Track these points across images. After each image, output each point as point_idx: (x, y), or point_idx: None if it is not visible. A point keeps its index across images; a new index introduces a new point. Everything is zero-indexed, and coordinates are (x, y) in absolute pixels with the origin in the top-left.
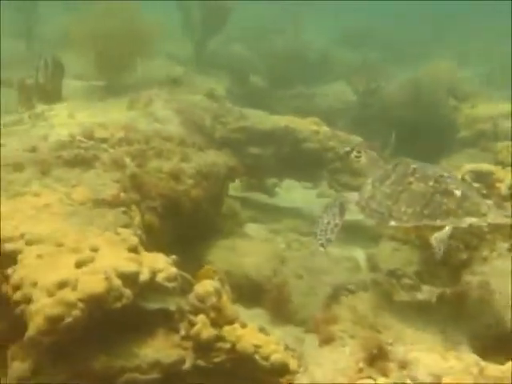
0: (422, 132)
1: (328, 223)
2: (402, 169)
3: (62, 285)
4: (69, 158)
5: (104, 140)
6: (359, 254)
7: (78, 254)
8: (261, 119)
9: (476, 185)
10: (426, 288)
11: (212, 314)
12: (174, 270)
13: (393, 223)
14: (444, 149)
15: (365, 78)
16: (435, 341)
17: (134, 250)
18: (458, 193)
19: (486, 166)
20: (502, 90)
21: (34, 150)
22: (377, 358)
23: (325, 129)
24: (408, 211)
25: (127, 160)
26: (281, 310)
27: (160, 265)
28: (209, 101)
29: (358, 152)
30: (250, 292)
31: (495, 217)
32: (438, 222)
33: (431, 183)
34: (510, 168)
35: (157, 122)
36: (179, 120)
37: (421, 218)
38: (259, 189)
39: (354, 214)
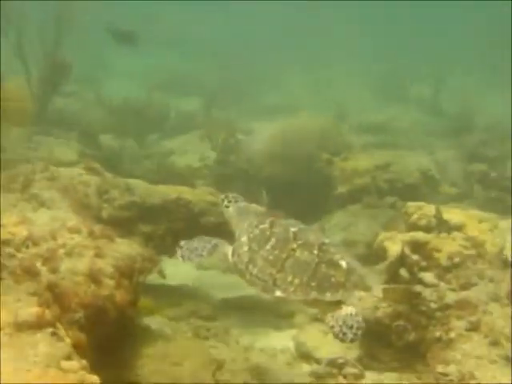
0: (296, 189)
1: (196, 248)
2: (281, 232)
3: None
4: None
5: (6, 242)
6: (288, 342)
7: None
8: (148, 191)
9: (415, 257)
10: (370, 376)
11: None
12: None
13: (279, 294)
14: (323, 205)
15: (222, 131)
16: None
17: None
18: (343, 264)
19: (421, 236)
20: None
21: None
22: None
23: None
24: (295, 281)
25: (38, 265)
26: None
27: None
28: (88, 174)
29: (229, 201)
30: None
31: (378, 289)
32: (328, 296)
33: (315, 251)
34: (443, 235)
35: (44, 207)
36: (67, 202)
37: (309, 290)
38: None
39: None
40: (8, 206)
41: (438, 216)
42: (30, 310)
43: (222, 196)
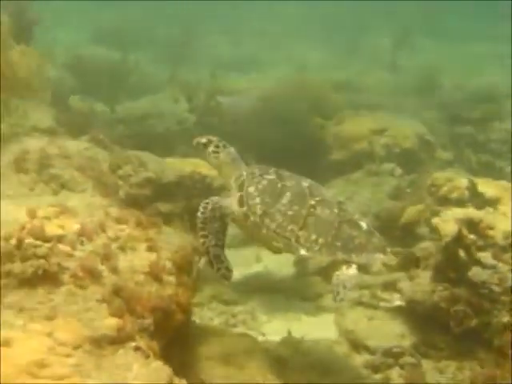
0: (287, 154)
1: (217, 248)
2: (294, 186)
3: None
4: (24, 274)
5: (61, 238)
6: (329, 329)
7: None
8: (160, 165)
9: (472, 236)
10: (427, 364)
11: None
12: None
13: (303, 252)
14: (317, 173)
15: (200, 92)
16: None
17: None
18: (364, 225)
19: (474, 213)
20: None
21: None
22: None
23: None
24: (319, 241)
25: (99, 265)
26: None
27: None
28: (95, 147)
29: (217, 147)
30: None
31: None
32: (354, 258)
33: (336, 210)
34: (491, 210)
35: (65, 189)
36: (90, 183)
37: (334, 250)
38: None
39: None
40: (23, 188)
41: (472, 189)
42: (107, 321)
43: (204, 140)
